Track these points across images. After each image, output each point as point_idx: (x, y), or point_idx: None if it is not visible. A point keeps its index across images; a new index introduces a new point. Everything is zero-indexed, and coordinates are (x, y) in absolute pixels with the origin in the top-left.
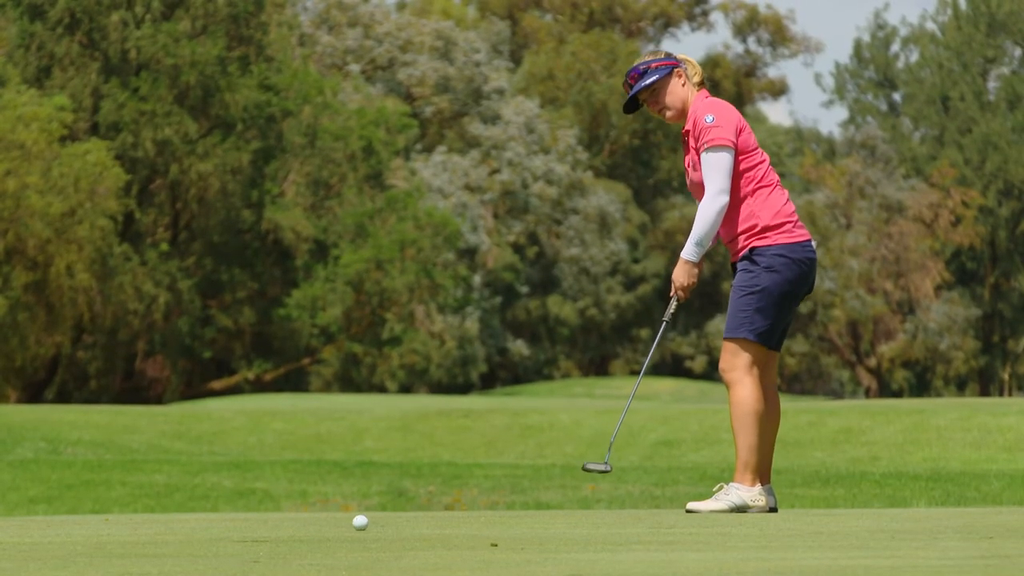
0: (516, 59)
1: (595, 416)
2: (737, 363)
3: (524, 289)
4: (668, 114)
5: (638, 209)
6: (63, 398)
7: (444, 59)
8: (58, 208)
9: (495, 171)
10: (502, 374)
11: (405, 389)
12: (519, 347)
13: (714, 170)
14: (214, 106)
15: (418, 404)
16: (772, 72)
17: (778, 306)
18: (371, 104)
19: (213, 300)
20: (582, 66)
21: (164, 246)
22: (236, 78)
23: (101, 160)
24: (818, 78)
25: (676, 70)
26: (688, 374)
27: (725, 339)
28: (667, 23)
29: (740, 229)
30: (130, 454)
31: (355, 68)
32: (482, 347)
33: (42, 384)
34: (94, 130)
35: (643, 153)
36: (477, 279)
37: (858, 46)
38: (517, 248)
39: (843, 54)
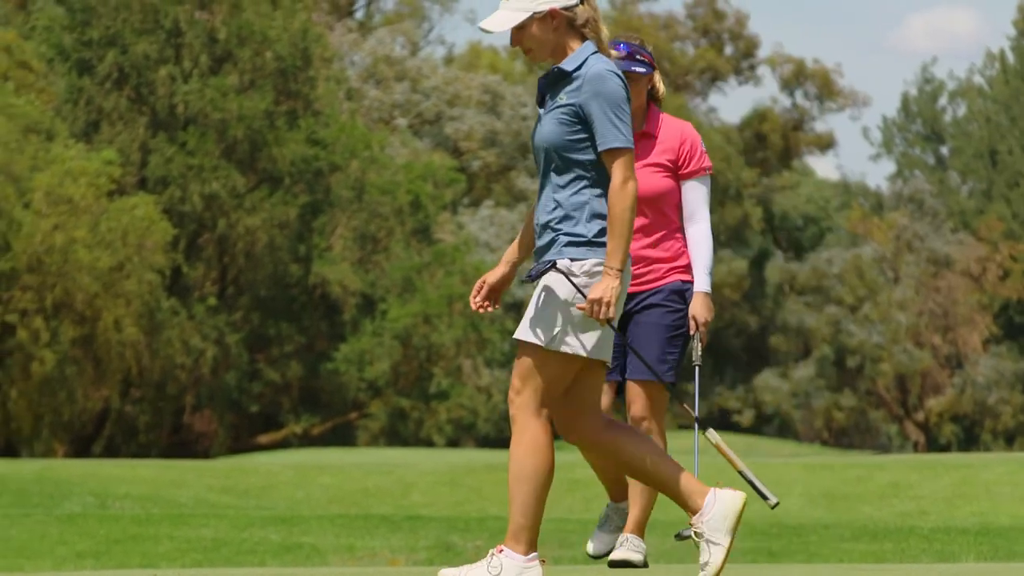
0: None
1: None
2: (658, 409)
3: None
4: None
5: None
6: (111, 452)
7: (491, 113)
8: (106, 262)
9: None
10: None
11: (452, 443)
12: None
13: (707, 198)
14: (261, 160)
15: (465, 458)
16: (819, 126)
17: None
18: (418, 158)
19: (260, 354)
20: None
21: (212, 300)
22: (284, 132)
23: (149, 214)
24: (865, 132)
25: (656, 73)
26: (735, 428)
27: (643, 381)
28: (714, 77)
29: (666, 257)
30: (178, 508)
31: (402, 122)
32: None
33: (90, 438)
34: (142, 184)
35: None
36: None
37: (905, 100)
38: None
39: (890, 108)
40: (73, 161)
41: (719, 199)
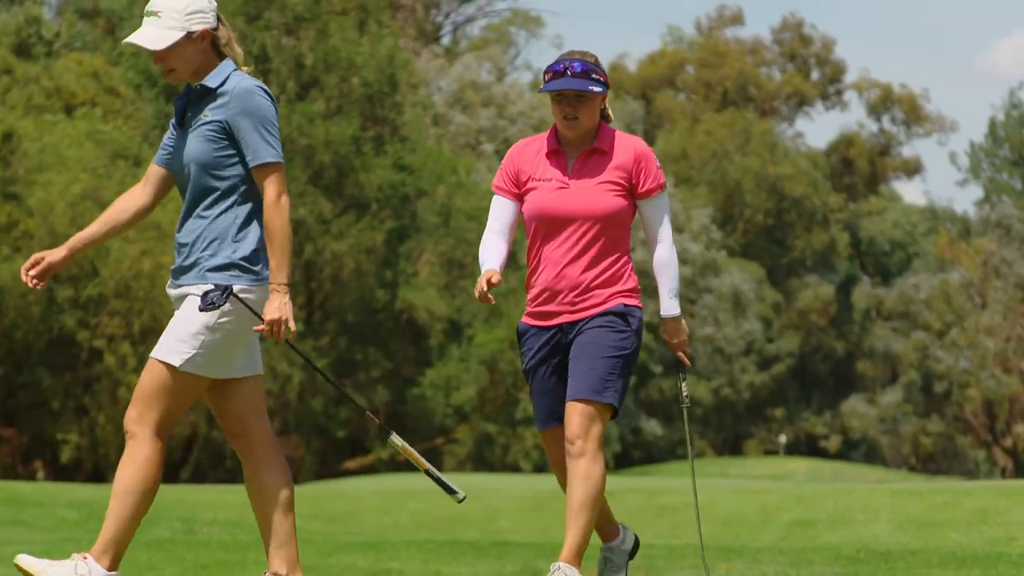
0: (650, 138)
1: (730, 496)
2: (595, 431)
3: (658, 369)
4: (578, 128)
5: (772, 288)
6: (198, 478)
7: None
8: None
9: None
10: (635, 453)
11: (539, 468)
12: (653, 427)
13: (668, 215)
14: (348, 186)
15: (552, 484)
16: (906, 151)
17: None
18: None
19: (347, 379)
20: (716, 145)
21: (299, 325)
22: (370, 158)
23: None
24: (953, 157)
25: (607, 92)
26: (823, 454)
27: (580, 400)
28: (801, 102)
29: (608, 281)
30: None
31: (489, 147)
32: (615, 426)
33: (177, 464)
34: None
35: (777, 232)
36: None
37: (993, 125)
38: (651, 327)
39: (978, 133)
40: None
41: (806, 224)
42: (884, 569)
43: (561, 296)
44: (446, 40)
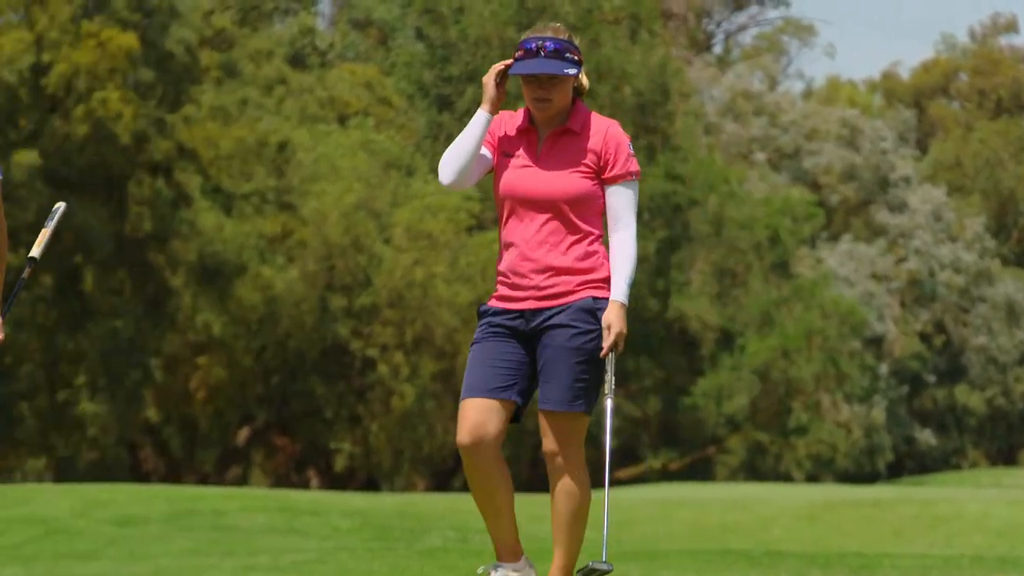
0: (923, 147)
1: (1005, 506)
2: (575, 442)
3: (931, 378)
4: (549, 110)
5: None
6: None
7: (850, 147)
8: (465, 297)
9: (902, 260)
10: (909, 463)
11: (811, 478)
12: (926, 436)
13: (634, 205)
14: None
15: (825, 493)
16: None
17: None
18: (777, 192)
19: (620, 388)
20: (990, 153)
21: None
22: (642, 167)
23: None
24: None
25: (582, 69)
26: None
27: (553, 412)
28: None
29: (578, 269)
30: (538, 543)
31: (760, 157)
32: (889, 436)
33: (450, 472)
34: None
35: None
36: (884, 368)
37: None
38: (924, 337)
39: None
40: (433, 196)
41: None
42: None
43: (527, 279)
44: (718, 49)
